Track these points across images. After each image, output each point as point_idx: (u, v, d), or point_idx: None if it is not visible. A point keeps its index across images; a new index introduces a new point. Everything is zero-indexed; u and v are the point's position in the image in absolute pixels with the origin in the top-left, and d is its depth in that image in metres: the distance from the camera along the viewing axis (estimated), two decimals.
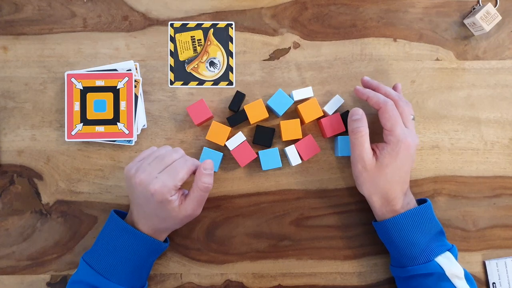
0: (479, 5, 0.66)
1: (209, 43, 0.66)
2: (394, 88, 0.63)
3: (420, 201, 0.61)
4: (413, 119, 0.60)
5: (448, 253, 0.57)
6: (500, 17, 0.63)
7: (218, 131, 0.62)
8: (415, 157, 0.60)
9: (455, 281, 0.56)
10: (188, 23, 0.66)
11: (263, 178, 0.65)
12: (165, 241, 0.62)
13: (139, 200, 0.57)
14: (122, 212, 0.62)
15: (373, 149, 0.59)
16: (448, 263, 0.56)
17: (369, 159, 0.58)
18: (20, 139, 0.65)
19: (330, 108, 0.63)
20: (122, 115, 0.64)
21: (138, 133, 0.65)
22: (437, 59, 0.66)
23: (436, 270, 0.56)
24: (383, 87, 0.62)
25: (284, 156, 0.65)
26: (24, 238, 0.65)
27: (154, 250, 0.59)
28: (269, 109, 0.64)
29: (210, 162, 0.58)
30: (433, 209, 0.60)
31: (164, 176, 0.55)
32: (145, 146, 0.65)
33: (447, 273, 0.56)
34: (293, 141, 0.64)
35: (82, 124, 0.64)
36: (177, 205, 0.56)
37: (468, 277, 0.57)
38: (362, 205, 0.64)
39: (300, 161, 0.62)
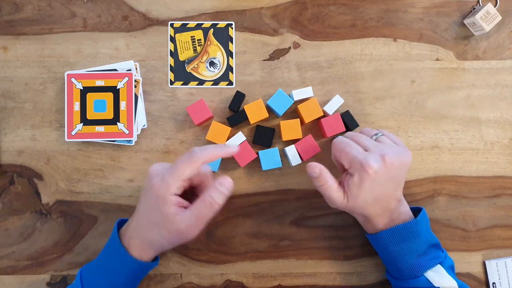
0: (479, 5, 0.66)
1: (209, 43, 0.66)
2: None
3: (416, 210, 0.59)
4: (381, 134, 0.58)
5: (438, 267, 0.56)
6: (500, 17, 0.63)
7: (218, 131, 0.62)
8: (399, 172, 0.55)
9: None
10: (188, 23, 0.66)
11: (263, 178, 0.65)
12: (155, 259, 0.58)
13: (141, 200, 0.55)
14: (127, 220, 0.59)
15: (341, 185, 0.57)
16: (438, 276, 0.55)
17: (340, 202, 0.56)
18: (20, 139, 0.65)
19: (330, 108, 0.63)
20: (122, 115, 0.64)
21: (138, 133, 0.65)
22: (437, 59, 0.66)
23: (426, 285, 0.55)
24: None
25: (284, 156, 0.65)
26: (24, 238, 0.65)
27: (142, 272, 0.57)
28: (269, 109, 0.64)
29: (229, 181, 0.52)
30: (427, 221, 0.58)
31: (167, 171, 0.52)
32: (145, 146, 0.65)
33: (439, 286, 0.55)
34: (293, 141, 0.64)
35: (82, 124, 0.64)
36: (173, 211, 0.51)
37: (463, 287, 0.55)
38: None
39: (300, 161, 0.62)
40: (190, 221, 0.51)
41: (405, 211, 0.58)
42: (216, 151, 0.53)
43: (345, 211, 0.58)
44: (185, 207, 0.53)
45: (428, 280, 0.55)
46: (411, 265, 0.56)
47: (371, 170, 0.53)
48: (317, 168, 0.56)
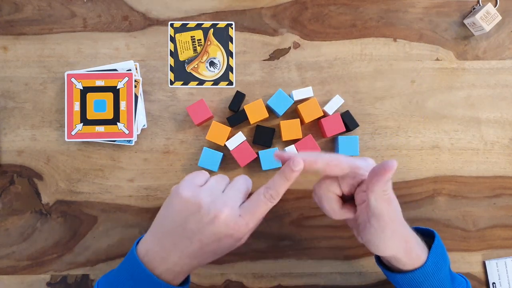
0: (479, 5, 0.66)
1: (209, 43, 0.66)
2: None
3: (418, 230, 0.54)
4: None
5: None
6: (500, 17, 0.63)
7: (218, 131, 0.62)
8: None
9: None
10: (188, 23, 0.66)
11: (263, 178, 0.65)
12: (187, 279, 0.53)
13: (207, 233, 0.48)
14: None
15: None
16: None
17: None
18: (20, 139, 0.65)
19: (330, 108, 0.63)
20: (122, 115, 0.64)
21: (138, 133, 0.65)
22: (437, 59, 0.66)
23: None
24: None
25: None
26: (24, 238, 0.65)
27: None
28: (269, 109, 0.64)
29: (299, 160, 0.47)
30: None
31: (242, 208, 0.48)
32: (145, 146, 0.65)
33: None
34: (293, 141, 0.64)
35: (82, 124, 0.64)
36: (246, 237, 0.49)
37: None
38: None
39: None
40: (252, 228, 0.50)
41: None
42: (285, 179, 0.48)
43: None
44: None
45: None
46: None
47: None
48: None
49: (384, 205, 0.46)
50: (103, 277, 0.53)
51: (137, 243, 0.51)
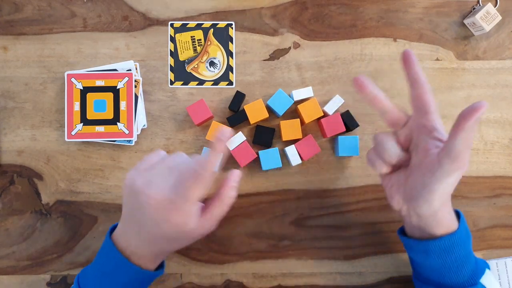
0: (479, 5, 0.66)
1: (209, 43, 0.66)
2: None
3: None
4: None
5: (487, 271, 0.52)
6: (500, 17, 0.63)
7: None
8: None
9: None
10: (188, 23, 0.66)
11: (263, 178, 0.65)
12: (161, 265, 0.55)
13: (145, 219, 0.49)
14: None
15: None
16: (489, 282, 0.52)
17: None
18: (20, 139, 0.65)
19: (330, 108, 0.63)
20: (122, 115, 0.64)
21: (138, 133, 0.65)
22: (437, 59, 0.66)
23: None
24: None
25: (284, 156, 0.65)
26: (24, 238, 0.65)
27: (147, 281, 0.54)
28: (269, 109, 0.64)
29: (238, 174, 0.52)
30: None
31: (176, 195, 0.48)
32: (145, 146, 0.65)
33: None
34: (293, 141, 0.64)
35: (82, 124, 0.64)
36: (197, 226, 0.50)
37: None
38: (362, 205, 0.65)
39: (300, 161, 0.62)
40: (212, 225, 0.52)
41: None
42: (214, 159, 0.49)
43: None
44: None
45: (484, 287, 0.51)
46: (472, 271, 0.52)
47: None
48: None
49: (465, 147, 0.46)
50: (81, 272, 0.55)
51: (112, 228, 0.54)
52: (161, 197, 0.48)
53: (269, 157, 0.62)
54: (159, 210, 0.48)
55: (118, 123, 0.64)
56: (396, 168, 0.53)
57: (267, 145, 0.63)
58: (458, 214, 0.53)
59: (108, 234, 0.53)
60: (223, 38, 0.66)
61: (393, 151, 0.51)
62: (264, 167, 0.62)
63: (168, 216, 0.48)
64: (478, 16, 0.63)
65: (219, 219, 0.52)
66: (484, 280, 0.52)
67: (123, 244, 0.51)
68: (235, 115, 0.63)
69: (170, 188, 0.48)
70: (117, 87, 0.64)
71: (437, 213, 0.50)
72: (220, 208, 0.51)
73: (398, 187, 0.52)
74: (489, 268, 0.54)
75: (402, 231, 0.57)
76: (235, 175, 0.52)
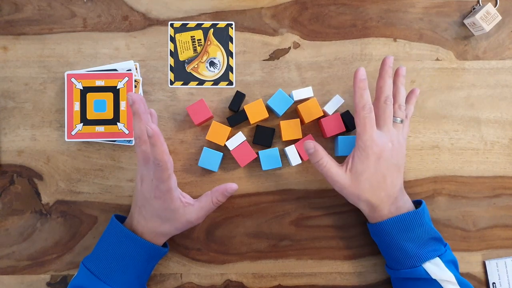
0: (479, 5, 0.66)
1: (209, 43, 0.66)
2: (396, 73, 0.61)
3: (418, 203, 0.60)
4: (401, 121, 0.59)
5: (437, 259, 0.56)
6: (500, 17, 0.63)
7: (218, 131, 0.62)
8: (401, 161, 0.59)
9: (447, 286, 0.55)
10: (188, 23, 0.66)
11: (263, 178, 0.65)
12: (165, 245, 0.62)
13: (142, 198, 0.57)
14: (122, 217, 0.61)
15: (347, 160, 0.59)
16: (435, 269, 0.56)
17: (343, 179, 0.58)
18: (20, 139, 0.65)
19: (330, 108, 0.63)
20: (122, 115, 0.64)
21: None
22: (437, 59, 0.66)
23: (424, 276, 0.56)
24: (381, 79, 0.59)
25: (284, 156, 0.65)
26: (24, 238, 0.65)
27: (153, 256, 0.59)
28: (269, 109, 0.64)
29: (234, 188, 0.60)
30: (428, 214, 0.59)
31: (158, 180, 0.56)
32: None
33: (436, 279, 0.55)
34: (293, 141, 0.64)
35: (82, 124, 0.64)
36: (181, 205, 0.57)
37: (462, 282, 0.56)
38: None
39: (300, 161, 0.62)
40: (200, 214, 0.59)
41: (408, 200, 0.60)
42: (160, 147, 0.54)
43: (349, 204, 0.60)
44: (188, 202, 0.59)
45: (426, 272, 0.56)
46: (411, 255, 0.57)
47: (384, 153, 0.56)
48: (312, 144, 0.58)
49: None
50: (85, 258, 0.59)
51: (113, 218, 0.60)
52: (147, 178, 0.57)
53: (269, 157, 0.62)
54: (148, 189, 0.56)
55: (118, 123, 0.64)
56: None
57: (267, 145, 0.63)
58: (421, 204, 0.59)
59: (113, 218, 0.59)
60: (223, 38, 0.66)
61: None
62: (264, 167, 0.62)
63: (153, 193, 0.56)
64: (478, 16, 0.63)
65: (206, 213, 0.60)
66: (428, 265, 0.56)
67: (131, 226, 0.59)
68: (235, 115, 0.63)
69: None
70: (117, 87, 0.64)
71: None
72: (207, 203, 0.59)
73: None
74: (447, 258, 0.57)
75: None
76: (232, 187, 0.59)
